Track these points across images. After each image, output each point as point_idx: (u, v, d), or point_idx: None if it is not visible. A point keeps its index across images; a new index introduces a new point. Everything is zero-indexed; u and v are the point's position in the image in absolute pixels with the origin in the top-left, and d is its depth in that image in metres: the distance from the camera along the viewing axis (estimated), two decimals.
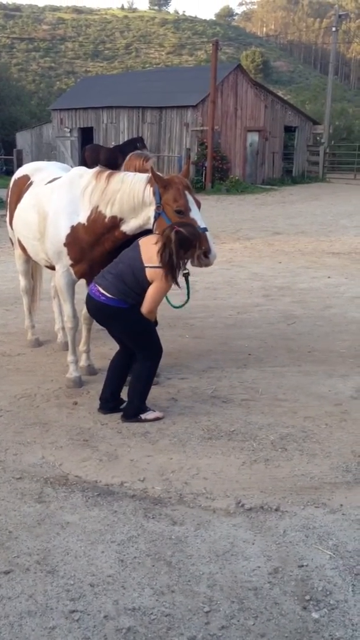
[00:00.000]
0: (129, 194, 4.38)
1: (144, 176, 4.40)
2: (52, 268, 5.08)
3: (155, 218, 4.30)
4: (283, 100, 33.06)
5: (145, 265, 4.06)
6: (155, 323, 4.55)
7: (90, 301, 4.31)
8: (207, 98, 25.32)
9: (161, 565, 2.86)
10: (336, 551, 2.96)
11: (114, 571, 2.82)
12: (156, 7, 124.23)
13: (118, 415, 4.45)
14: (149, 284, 4.09)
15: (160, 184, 4.21)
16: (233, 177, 26.23)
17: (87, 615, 2.54)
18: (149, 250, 4.07)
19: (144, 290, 4.12)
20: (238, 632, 2.47)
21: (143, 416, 4.34)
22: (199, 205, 4.34)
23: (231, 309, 7.48)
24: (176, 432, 4.21)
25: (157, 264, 4.00)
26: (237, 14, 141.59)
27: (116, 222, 4.48)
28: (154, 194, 4.27)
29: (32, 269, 6.04)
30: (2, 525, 3.14)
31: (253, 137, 29.39)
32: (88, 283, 5.07)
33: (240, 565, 2.87)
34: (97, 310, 4.30)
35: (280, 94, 41.10)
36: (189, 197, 4.25)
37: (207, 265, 4.45)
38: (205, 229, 4.26)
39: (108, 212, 4.48)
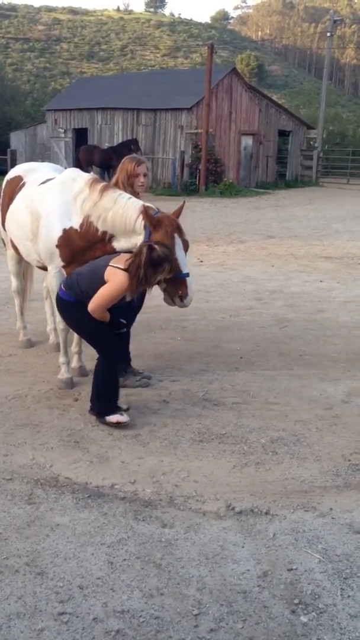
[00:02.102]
0: (121, 218, 4.38)
1: (138, 204, 4.38)
2: (44, 269, 5.07)
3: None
4: (277, 105, 33.22)
5: (111, 263, 4.06)
6: (127, 326, 4.49)
7: (56, 297, 4.42)
8: (202, 101, 25.38)
9: (151, 567, 2.86)
10: (325, 555, 2.97)
11: (104, 573, 2.81)
12: (152, 9, 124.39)
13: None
14: (102, 282, 4.06)
15: (150, 223, 4.22)
16: (227, 180, 26.30)
17: (76, 618, 2.54)
18: (124, 257, 4.08)
19: (95, 288, 4.07)
20: (227, 635, 2.47)
21: (107, 419, 4.27)
22: (187, 247, 4.37)
23: (223, 311, 7.49)
24: (167, 435, 4.21)
25: (123, 265, 4.00)
26: (232, 17, 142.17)
27: (108, 237, 4.50)
28: (145, 227, 4.28)
29: (24, 269, 6.03)
30: None
31: (247, 141, 29.49)
32: None
33: (230, 568, 2.87)
34: (58, 305, 4.40)
35: (274, 98, 41.23)
36: (177, 240, 4.27)
37: (181, 307, 4.52)
38: (187, 275, 4.31)
39: (100, 227, 4.48)
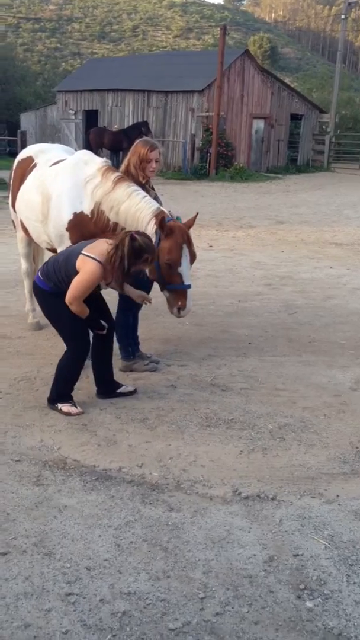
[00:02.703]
0: (133, 216, 4.39)
1: (153, 207, 4.38)
2: (54, 251, 5.06)
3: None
4: (290, 88, 32.85)
5: (83, 252, 4.00)
6: (112, 327, 4.47)
7: (33, 283, 4.47)
8: (214, 83, 25.13)
9: (157, 550, 2.88)
10: (331, 541, 2.98)
11: (110, 555, 2.83)
12: None
13: (117, 400, 4.46)
14: (75, 272, 4.01)
15: (162, 230, 4.23)
16: (237, 164, 26.11)
17: (83, 599, 2.56)
18: (98, 245, 4.03)
19: (70, 277, 4.03)
20: (232, 619, 2.49)
21: (59, 405, 4.25)
22: (194, 258, 4.44)
23: (232, 297, 7.47)
24: (175, 419, 4.22)
25: (95, 255, 3.94)
26: None
27: (120, 228, 4.49)
28: (156, 233, 4.28)
29: (33, 251, 6.02)
30: (0, 507, 3.15)
31: (259, 124, 29.22)
32: None
33: (236, 552, 2.88)
34: (34, 292, 4.41)
35: (287, 81, 40.84)
36: (184, 251, 4.31)
37: (178, 317, 4.60)
38: (188, 286, 4.39)
39: (112, 217, 4.48)
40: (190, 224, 4.48)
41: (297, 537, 3.01)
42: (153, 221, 4.31)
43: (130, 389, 4.56)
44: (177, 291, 4.41)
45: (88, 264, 3.94)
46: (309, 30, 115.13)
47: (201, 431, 4.07)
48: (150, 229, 4.32)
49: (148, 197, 4.47)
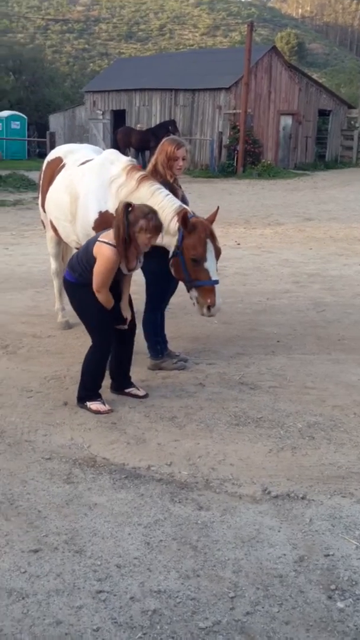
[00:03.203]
0: None
1: (175, 205, 4.39)
2: None
3: (174, 254, 4.34)
4: (318, 83, 32.52)
5: (99, 239, 4.07)
6: (133, 325, 4.49)
7: (63, 277, 4.51)
8: (241, 80, 25.01)
9: (187, 549, 2.88)
10: None
11: (140, 553, 2.85)
12: None
13: (146, 399, 4.47)
14: (94, 259, 4.06)
15: (184, 227, 4.23)
16: (265, 161, 25.94)
17: (114, 596, 2.58)
18: (111, 231, 4.08)
19: (91, 267, 4.08)
20: (263, 619, 2.48)
21: (88, 404, 4.27)
22: (218, 253, 4.42)
23: (260, 295, 7.44)
24: (203, 418, 4.21)
25: (109, 240, 3.99)
26: None
27: None
28: (178, 230, 4.28)
29: (63, 251, 6.07)
30: (32, 505, 3.19)
31: (286, 121, 28.99)
32: None
33: (266, 552, 2.87)
34: (64, 285, 4.48)
35: (315, 76, 40.44)
36: (209, 246, 4.31)
37: (209, 316, 4.56)
38: (216, 282, 4.37)
39: None
40: (212, 218, 4.48)
41: (327, 537, 2.99)
42: (175, 219, 4.31)
43: (141, 393, 4.53)
44: (205, 288, 4.39)
45: (103, 249, 4.00)
46: (337, 25, 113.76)
47: (230, 430, 4.06)
48: (173, 227, 4.33)
49: (171, 195, 4.47)
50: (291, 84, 28.84)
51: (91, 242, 4.16)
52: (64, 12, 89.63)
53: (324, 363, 5.29)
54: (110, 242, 3.99)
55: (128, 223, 3.94)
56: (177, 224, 4.30)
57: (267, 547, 2.91)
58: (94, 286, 4.06)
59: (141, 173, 4.57)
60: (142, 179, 4.50)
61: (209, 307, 4.43)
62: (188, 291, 4.54)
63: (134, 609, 2.51)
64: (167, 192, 4.48)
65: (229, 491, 3.36)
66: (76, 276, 4.21)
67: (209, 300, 4.40)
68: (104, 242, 4.01)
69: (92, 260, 4.07)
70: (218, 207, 4.69)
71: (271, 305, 7.03)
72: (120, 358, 4.52)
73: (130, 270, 4.22)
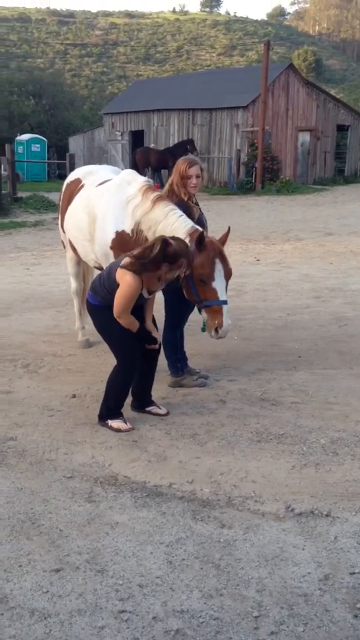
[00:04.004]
0: (168, 235, 4.40)
1: (187, 226, 4.40)
2: (101, 269, 5.13)
3: (183, 274, 4.33)
4: (335, 99, 32.61)
5: (120, 264, 4.05)
6: (154, 339, 4.46)
7: (86, 299, 4.51)
8: (258, 98, 25.18)
9: (209, 568, 2.84)
10: None
11: (163, 572, 2.82)
12: (207, 9, 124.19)
13: (167, 417, 4.46)
14: (116, 285, 4.06)
15: (195, 246, 4.24)
16: (283, 177, 26.01)
17: (136, 616, 2.55)
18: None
19: (113, 290, 4.08)
20: (288, 639, 2.43)
21: (109, 422, 4.26)
22: (229, 275, 4.39)
23: (281, 310, 7.40)
24: (225, 435, 4.18)
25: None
26: (289, 13, 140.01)
27: None
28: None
29: (83, 270, 6.12)
30: (53, 524, 3.18)
31: (304, 137, 29.08)
32: None
33: (290, 570, 2.82)
34: (87, 308, 4.48)
35: (332, 92, 40.50)
36: (217, 266, 4.29)
37: (218, 338, 4.48)
38: (224, 302, 4.33)
39: (150, 237, 4.53)
40: (224, 239, 4.47)
41: (353, 554, 2.93)
42: (188, 239, 4.33)
43: (162, 412, 4.51)
44: (212, 309, 4.36)
45: (126, 276, 3.99)
46: (354, 40, 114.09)
47: (252, 446, 4.02)
48: None
49: (184, 216, 4.49)
50: (309, 101, 28.96)
51: (113, 267, 4.15)
52: (82, 37, 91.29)
53: (346, 378, 5.23)
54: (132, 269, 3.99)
55: (168, 261, 3.94)
56: (189, 244, 4.31)
57: (292, 565, 2.86)
58: (115, 312, 4.07)
59: (156, 194, 4.60)
60: (157, 199, 4.53)
61: (216, 329, 4.38)
62: (200, 312, 4.51)
63: (156, 629, 2.48)
64: (180, 212, 4.50)
65: (251, 509, 3.32)
66: (99, 299, 4.22)
67: (216, 322, 4.36)
68: (127, 269, 4.01)
69: (114, 285, 4.07)
70: (229, 228, 4.67)
71: (292, 320, 6.99)
72: (143, 377, 4.52)
73: (151, 294, 4.23)
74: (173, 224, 4.39)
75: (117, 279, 4.04)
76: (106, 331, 4.31)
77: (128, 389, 4.39)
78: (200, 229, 4.41)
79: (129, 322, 4.12)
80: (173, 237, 4.06)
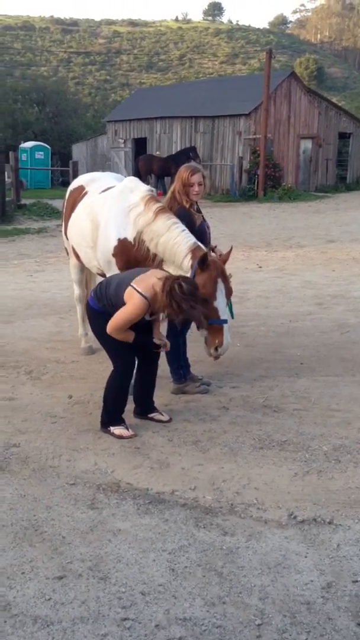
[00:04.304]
0: (171, 250, 4.45)
1: (190, 242, 4.42)
2: (104, 276, 5.15)
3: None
4: (337, 107, 32.71)
5: (132, 284, 4.02)
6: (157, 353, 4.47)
7: (86, 302, 4.50)
8: (260, 106, 25.28)
9: (212, 575, 2.84)
10: None
11: (165, 580, 2.81)
12: (210, 18, 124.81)
13: (169, 423, 4.46)
14: (122, 302, 4.05)
15: (199, 265, 4.26)
16: (285, 184, 26.06)
17: (139, 624, 2.55)
18: (147, 279, 4.03)
19: (116, 305, 4.09)
20: None
21: (111, 429, 4.27)
22: (230, 293, 4.41)
23: (283, 317, 7.41)
24: (227, 441, 4.18)
25: (143, 290, 3.95)
26: (291, 21, 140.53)
27: (159, 260, 4.57)
28: (192, 267, 4.32)
29: (86, 277, 6.14)
30: (56, 531, 3.18)
31: (306, 144, 29.16)
32: None
33: (293, 578, 2.82)
34: (86, 311, 4.47)
35: (334, 100, 40.65)
36: (220, 286, 4.31)
37: (216, 357, 4.51)
38: (224, 321, 4.35)
39: (152, 249, 4.55)
40: (226, 259, 4.49)
41: (356, 562, 2.92)
42: (189, 256, 4.34)
43: (164, 418, 4.52)
44: (213, 327, 4.37)
45: (135, 298, 3.98)
46: (356, 49, 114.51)
47: (254, 453, 4.02)
48: (186, 264, 4.37)
49: (186, 231, 4.50)
50: (310, 108, 29.05)
51: (123, 284, 4.11)
52: (86, 45, 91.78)
53: (349, 385, 5.23)
54: (143, 293, 3.96)
55: (181, 298, 3.91)
56: (190, 262, 4.33)
57: (294, 573, 2.86)
58: (109, 327, 4.07)
59: (158, 205, 4.62)
60: (159, 211, 4.54)
61: (216, 348, 4.40)
62: (198, 329, 4.51)
63: (159, 637, 2.48)
64: (183, 227, 4.52)
65: (254, 516, 3.32)
66: (100, 305, 4.23)
67: (217, 340, 4.38)
68: (138, 292, 3.98)
69: (119, 301, 4.07)
70: (232, 247, 4.68)
71: (294, 327, 7.00)
72: (144, 383, 4.52)
73: (151, 317, 4.24)
74: (175, 238, 4.41)
75: (126, 297, 4.03)
76: (104, 336, 4.30)
77: (126, 392, 4.39)
78: (203, 247, 4.42)
79: (122, 337, 4.13)
80: (184, 279, 3.98)
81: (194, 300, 3.94)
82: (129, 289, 4.02)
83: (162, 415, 4.54)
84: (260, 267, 10.79)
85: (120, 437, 4.22)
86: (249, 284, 9.16)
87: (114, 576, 2.84)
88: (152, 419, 4.51)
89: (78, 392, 5.08)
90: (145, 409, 4.56)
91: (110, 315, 4.12)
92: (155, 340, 4.30)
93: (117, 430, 4.26)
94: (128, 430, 4.27)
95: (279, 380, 5.35)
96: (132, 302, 3.99)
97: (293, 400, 4.91)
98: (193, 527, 3.21)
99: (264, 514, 3.33)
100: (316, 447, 4.09)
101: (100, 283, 4.38)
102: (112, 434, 4.25)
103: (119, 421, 4.30)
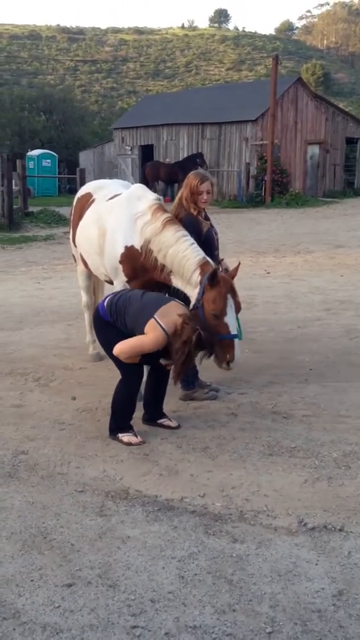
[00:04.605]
0: (179, 263, 4.44)
1: (199, 256, 4.42)
2: (112, 283, 5.16)
3: (194, 307, 4.35)
4: (344, 112, 32.75)
5: (156, 316, 4.02)
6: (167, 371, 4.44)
7: (95, 310, 4.48)
8: (267, 112, 25.31)
9: (222, 583, 2.82)
10: None
11: (175, 587, 2.80)
12: (216, 25, 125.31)
13: (178, 430, 4.45)
14: (140, 331, 4.06)
15: (208, 281, 4.26)
16: (293, 190, 26.07)
17: (148, 632, 2.53)
18: (170, 314, 4.04)
19: (131, 329, 4.12)
20: None
21: (120, 435, 4.26)
22: (239, 308, 4.41)
23: (292, 323, 7.39)
24: (236, 448, 4.17)
25: (166, 325, 3.98)
26: (297, 27, 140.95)
27: (167, 271, 4.56)
28: (200, 283, 4.32)
29: (93, 284, 6.15)
30: (65, 538, 3.17)
31: (313, 150, 29.17)
32: None
33: (304, 586, 2.80)
34: (95, 318, 4.44)
35: (341, 105, 40.70)
36: (229, 301, 4.31)
37: (227, 370, 4.52)
38: (235, 336, 4.34)
39: (160, 259, 4.54)
40: (234, 274, 4.48)
41: None
42: (198, 271, 4.34)
43: (173, 424, 4.50)
44: (224, 342, 4.36)
45: (157, 332, 3.99)
46: None
47: (263, 460, 4.00)
48: (195, 279, 4.37)
49: (195, 244, 4.50)
50: (317, 114, 29.08)
51: (144, 313, 4.09)
52: (92, 53, 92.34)
53: (358, 391, 5.20)
54: (166, 329, 3.97)
55: (198, 347, 4.03)
56: (199, 277, 4.33)
57: (305, 580, 2.83)
58: (119, 350, 4.08)
59: (166, 216, 4.61)
60: (167, 222, 4.54)
61: (227, 362, 4.40)
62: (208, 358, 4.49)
63: None
64: (192, 240, 4.51)
65: (263, 523, 3.30)
66: (110, 320, 4.24)
67: (227, 355, 4.37)
68: (161, 326, 3.99)
69: (138, 329, 4.08)
70: (240, 263, 4.67)
71: (303, 333, 6.98)
72: (155, 390, 4.52)
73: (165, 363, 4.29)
74: (184, 251, 4.41)
75: (147, 329, 4.03)
76: (111, 346, 4.30)
77: (134, 401, 4.39)
78: (212, 262, 4.42)
79: (129, 360, 4.14)
80: (202, 328, 4.05)
81: (210, 352, 4.13)
82: (152, 322, 4.02)
83: (170, 421, 4.53)
84: (268, 272, 10.77)
85: (129, 444, 4.21)
86: (257, 290, 9.14)
87: (123, 584, 2.83)
88: (161, 425, 4.50)
89: (86, 399, 5.07)
90: (154, 414, 4.55)
91: (118, 329, 4.13)
92: (162, 361, 4.30)
93: (125, 437, 4.25)
94: (137, 437, 4.26)
95: (288, 386, 5.32)
96: (153, 335, 4.00)
97: (302, 406, 4.89)
98: (202, 534, 3.19)
99: (274, 521, 3.31)
100: (326, 454, 4.06)
101: (116, 299, 4.30)
102: (121, 441, 4.24)
103: (128, 428, 4.30)
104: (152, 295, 4.32)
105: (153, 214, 4.60)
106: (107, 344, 4.33)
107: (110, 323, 4.23)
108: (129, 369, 4.26)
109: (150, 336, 4.01)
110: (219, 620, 2.59)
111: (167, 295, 4.59)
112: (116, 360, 4.33)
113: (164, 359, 4.24)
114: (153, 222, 4.57)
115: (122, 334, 4.17)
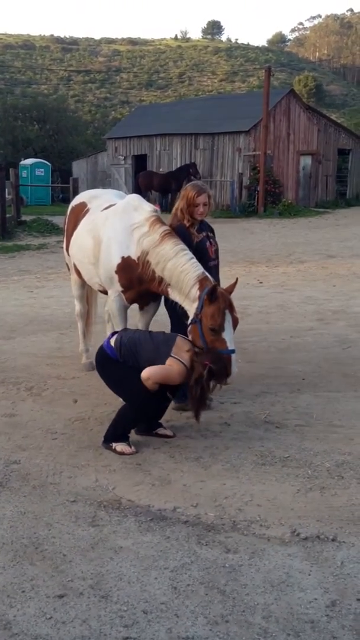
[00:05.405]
0: (178, 277, 4.45)
1: (197, 271, 4.43)
2: (106, 292, 5.16)
3: (192, 322, 4.37)
4: (336, 124, 33.04)
5: (172, 355, 4.15)
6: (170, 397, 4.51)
7: (99, 349, 4.47)
8: (260, 123, 25.49)
9: (215, 594, 2.81)
10: None
11: (167, 598, 2.78)
12: (209, 36, 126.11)
13: (170, 439, 4.44)
14: (158, 362, 4.18)
15: (209, 297, 4.28)
16: (285, 200, 26.20)
17: None
18: (182, 349, 4.18)
19: (141, 364, 4.19)
20: None
21: (113, 445, 4.26)
22: (236, 323, 4.44)
23: (284, 333, 7.40)
24: (229, 458, 4.16)
25: (185, 360, 4.12)
26: (289, 39, 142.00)
27: (165, 283, 4.57)
28: (199, 298, 4.33)
29: (87, 293, 6.15)
30: (57, 548, 3.15)
31: (306, 161, 29.37)
32: (140, 308, 5.15)
33: (296, 596, 2.79)
34: (98, 356, 4.45)
35: (333, 117, 41.03)
36: (227, 317, 4.33)
37: (225, 384, 4.52)
38: (232, 351, 4.36)
39: (158, 272, 4.54)
40: (231, 289, 4.50)
41: None
42: (197, 286, 4.35)
43: (169, 433, 4.51)
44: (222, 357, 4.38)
45: (180, 366, 4.12)
46: (354, 66, 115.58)
47: (256, 470, 3.99)
48: (194, 294, 4.37)
49: (194, 259, 4.51)
50: (310, 125, 29.29)
51: (159, 354, 4.19)
52: (85, 64, 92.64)
53: (351, 400, 5.21)
54: (185, 363, 4.11)
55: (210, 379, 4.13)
56: (198, 292, 4.33)
57: (298, 591, 2.82)
58: (150, 374, 4.12)
59: (165, 228, 4.61)
60: (166, 235, 4.54)
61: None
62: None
63: None
64: (191, 255, 4.52)
65: (256, 533, 3.29)
66: (119, 358, 4.27)
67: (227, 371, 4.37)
68: (182, 362, 4.12)
69: (157, 362, 4.15)
70: (237, 279, 4.68)
71: (295, 343, 6.99)
72: (158, 409, 4.51)
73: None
74: (183, 265, 4.41)
75: (167, 364, 4.14)
76: (119, 386, 4.37)
77: (138, 422, 4.42)
78: (211, 278, 4.43)
79: (153, 387, 4.18)
80: (211, 361, 4.13)
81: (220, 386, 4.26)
82: (171, 360, 4.14)
83: (166, 429, 4.52)
84: (261, 282, 10.80)
85: (122, 453, 4.19)
86: (250, 300, 9.17)
87: (116, 594, 2.81)
88: (156, 434, 4.49)
89: (79, 409, 5.06)
90: (150, 426, 4.54)
91: (127, 367, 4.22)
92: (168, 394, 4.40)
93: (119, 446, 4.24)
94: (130, 447, 4.25)
95: (281, 396, 5.33)
96: (176, 368, 4.13)
97: (295, 416, 4.89)
98: (195, 545, 3.18)
99: (267, 531, 3.30)
100: (319, 464, 4.06)
101: (125, 340, 4.33)
102: (114, 451, 4.22)
103: (123, 438, 4.29)
104: (160, 334, 4.41)
105: (151, 226, 4.60)
106: (113, 381, 4.39)
107: (121, 363, 4.28)
108: (137, 405, 4.27)
109: (173, 368, 4.12)
110: (211, 631, 2.58)
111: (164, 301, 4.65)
112: (123, 396, 4.41)
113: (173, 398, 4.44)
114: (151, 234, 4.56)
115: (131, 370, 4.22)
